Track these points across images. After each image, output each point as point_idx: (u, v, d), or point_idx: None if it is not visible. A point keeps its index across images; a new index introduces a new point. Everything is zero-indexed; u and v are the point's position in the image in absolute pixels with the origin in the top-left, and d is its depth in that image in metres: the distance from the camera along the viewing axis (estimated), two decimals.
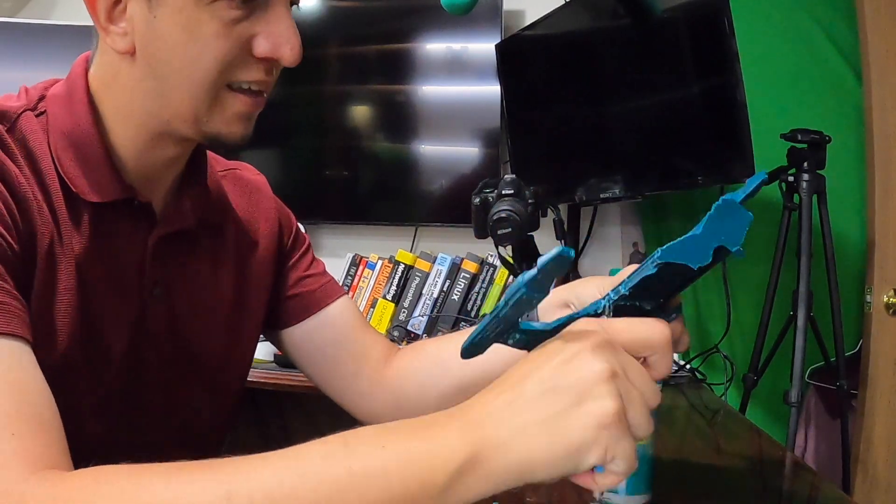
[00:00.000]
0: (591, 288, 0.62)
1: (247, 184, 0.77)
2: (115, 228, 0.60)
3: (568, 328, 0.42)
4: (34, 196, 0.54)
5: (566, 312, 0.48)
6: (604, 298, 0.47)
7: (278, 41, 0.56)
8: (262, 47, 0.56)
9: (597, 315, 0.47)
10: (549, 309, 0.65)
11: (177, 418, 0.67)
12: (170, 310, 0.65)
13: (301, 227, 0.84)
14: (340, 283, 1.83)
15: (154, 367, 0.64)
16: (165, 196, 0.65)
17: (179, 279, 0.66)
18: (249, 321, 0.73)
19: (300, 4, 0.61)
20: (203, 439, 0.70)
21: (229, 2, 0.54)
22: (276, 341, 0.80)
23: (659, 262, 0.44)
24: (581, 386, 0.37)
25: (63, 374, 0.52)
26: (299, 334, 0.77)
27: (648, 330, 0.41)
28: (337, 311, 0.78)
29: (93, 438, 0.55)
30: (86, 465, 0.40)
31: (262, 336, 0.78)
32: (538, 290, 0.40)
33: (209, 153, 0.71)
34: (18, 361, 0.45)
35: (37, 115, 0.58)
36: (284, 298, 0.77)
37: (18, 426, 0.41)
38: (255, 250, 0.74)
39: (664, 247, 0.45)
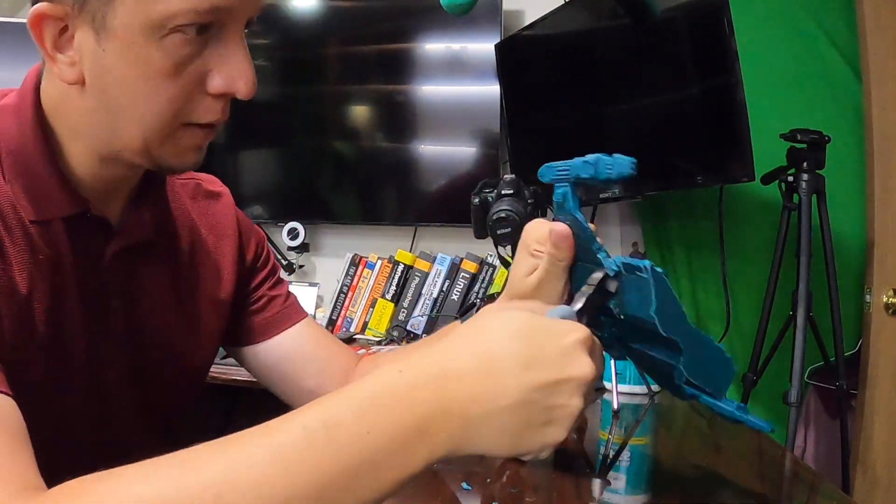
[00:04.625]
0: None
1: (206, 194, 0.76)
2: (70, 244, 0.58)
3: (563, 324, 0.44)
4: None
5: None
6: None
7: (232, 76, 0.54)
8: (216, 84, 0.54)
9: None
10: None
11: (143, 420, 0.67)
12: (129, 320, 0.64)
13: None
14: (340, 283, 1.85)
15: (115, 374, 0.64)
16: (122, 207, 0.64)
17: (137, 288, 0.65)
18: (206, 327, 0.73)
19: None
20: (172, 433, 0.71)
21: (182, 35, 0.50)
22: (239, 357, 0.81)
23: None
24: (557, 415, 0.41)
25: (26, 391, 0.49)
26: (262, 351, 0.79)
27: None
28: (299, 331, 0.80)
29: (62, 449, 0.54)
30: (58, 475, 0.40)
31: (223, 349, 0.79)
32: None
33: None
34: None
35: None
36: (248, 316, 0.78)
37: None
38: (212, 259, 0.74)
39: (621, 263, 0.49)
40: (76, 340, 0.60)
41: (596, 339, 0.44)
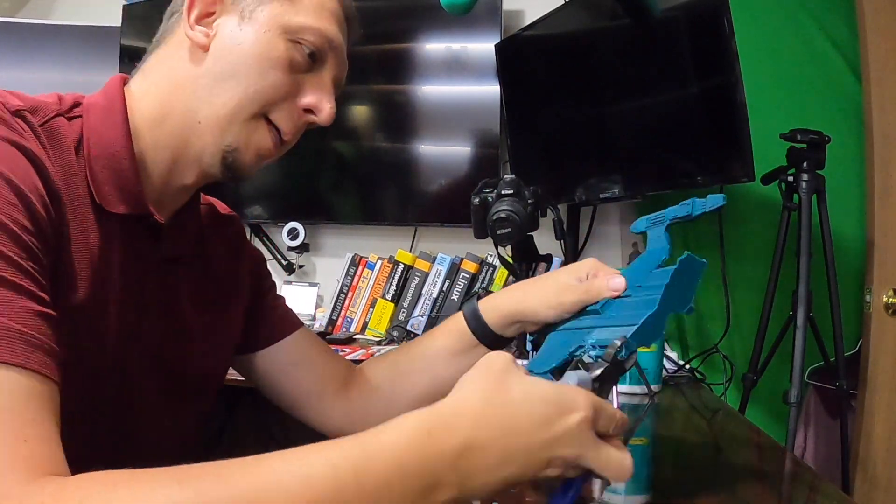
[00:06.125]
0: (543, 306, 0.69)
1: (220, 218, 0.82)
2: (130, 242, 0.63)
3: (566, 396, 0.47)
4: (63, 195, 0.56)
5: (516, 327, 0.72)
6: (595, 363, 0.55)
7: (321, 98, 0.68)
8: (307, 98, 0.67)
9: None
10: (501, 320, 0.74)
11: (161, 425, 0.70)
12: (162, 326, 0.68)
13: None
14: (340, 283, 1.85)
15: (142, 376, 0.67)
16: (169, 220, 0.69)
17: (172, 298, 0.70)
18: (224, 343, 0.78)
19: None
20: (184, 445, 0.74)
21: (303, 49, 0.65)
22: (241, 365, 0.85)
23: (625, 354, 0.52)
24: (553, 470, 0.47)
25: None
26: (263, 358, 0.83)
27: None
28: (296, 339, 0.84)
29: (80, 443, 0.55)
30: (75, 469, 0.41)
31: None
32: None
33: None
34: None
35: (69, 120, 0.60)
36: (252, 326, 0.83)
37: (29, 431, 0.42)
38: (228, 276, 0.79)
39: (630, 337, 0.52)
40: (115, 340, 0.62)
41: (605, 407, 0.48)
